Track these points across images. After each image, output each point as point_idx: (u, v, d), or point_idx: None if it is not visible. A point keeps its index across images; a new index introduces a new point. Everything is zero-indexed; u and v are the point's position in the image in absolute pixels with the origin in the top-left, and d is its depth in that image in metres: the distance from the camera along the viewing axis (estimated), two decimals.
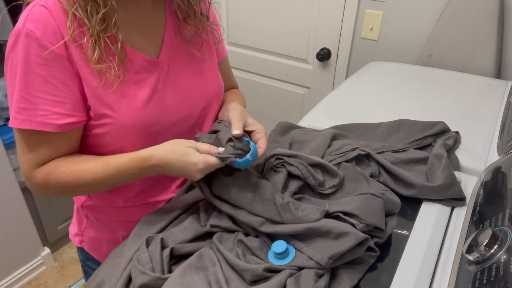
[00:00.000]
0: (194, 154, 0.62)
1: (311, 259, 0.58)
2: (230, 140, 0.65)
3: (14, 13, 0.69)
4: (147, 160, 0.64)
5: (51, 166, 0.66)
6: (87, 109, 0.67)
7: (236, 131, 0.65)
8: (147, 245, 0.62)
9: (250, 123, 0.71)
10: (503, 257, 0.51)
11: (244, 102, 0.92)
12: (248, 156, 0.63)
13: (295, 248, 0.62)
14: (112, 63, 0.64)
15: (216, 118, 0.82)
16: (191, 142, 0.65)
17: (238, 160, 0.63)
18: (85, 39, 0.62)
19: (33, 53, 0.59)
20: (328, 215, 0.65)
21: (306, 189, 0.72)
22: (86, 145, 0.71)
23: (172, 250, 0.62)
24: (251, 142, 0.66)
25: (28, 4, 0.62)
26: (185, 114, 0.75)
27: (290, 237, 0.63)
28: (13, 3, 0.68)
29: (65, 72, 0.62)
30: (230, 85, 0.95)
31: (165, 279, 0.57)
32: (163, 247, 0.62)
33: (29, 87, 0.60)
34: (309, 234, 0.61)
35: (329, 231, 0.59)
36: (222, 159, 0.63)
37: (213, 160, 0.62)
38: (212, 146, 0.65)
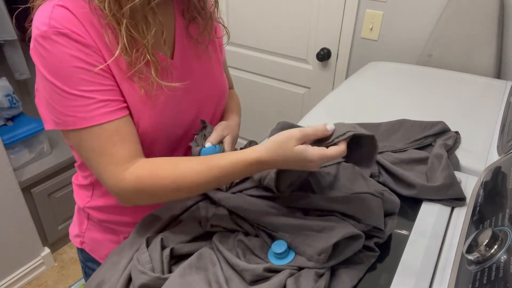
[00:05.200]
0: (307, 151, 0.55)
1: (307, 257, 0.59)
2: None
3: (15, 13, 0.69)
4: (255, 164, 0.59)
5: (142, 170, 0.62)
6: None
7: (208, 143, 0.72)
8: (147, 245, 0.62)
9: (225, 141, 0.74)
10: (503, 257, 0.51)
11: (238, 105, 0.93)
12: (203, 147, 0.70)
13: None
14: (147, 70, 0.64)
15: (221, 118, 0.85)
16: (295, 133, 0.56)
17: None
18: (133, 55, 0.62)
19: (68, 48, 0.58)
20: (325, 214, 0.65)
21: (305, 186, 0.72)
22: None
23: (172, 250, 0.62)
24: (217, 146, 0.72)
25: (37, 6, 0.60)
26: (195, 114, 0.76)
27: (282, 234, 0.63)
28: (15, 6, 0.68)
29: (101, 60, 0.61)
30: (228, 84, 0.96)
31: (165, 279, 0.57)
32: (163, 247, 0.62)
33: (77, 83, 0.59)
34: (298, 230, 0.62)
35: (316, 225, 0.60)
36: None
37: (330, 152, 0.55)
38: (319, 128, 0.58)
